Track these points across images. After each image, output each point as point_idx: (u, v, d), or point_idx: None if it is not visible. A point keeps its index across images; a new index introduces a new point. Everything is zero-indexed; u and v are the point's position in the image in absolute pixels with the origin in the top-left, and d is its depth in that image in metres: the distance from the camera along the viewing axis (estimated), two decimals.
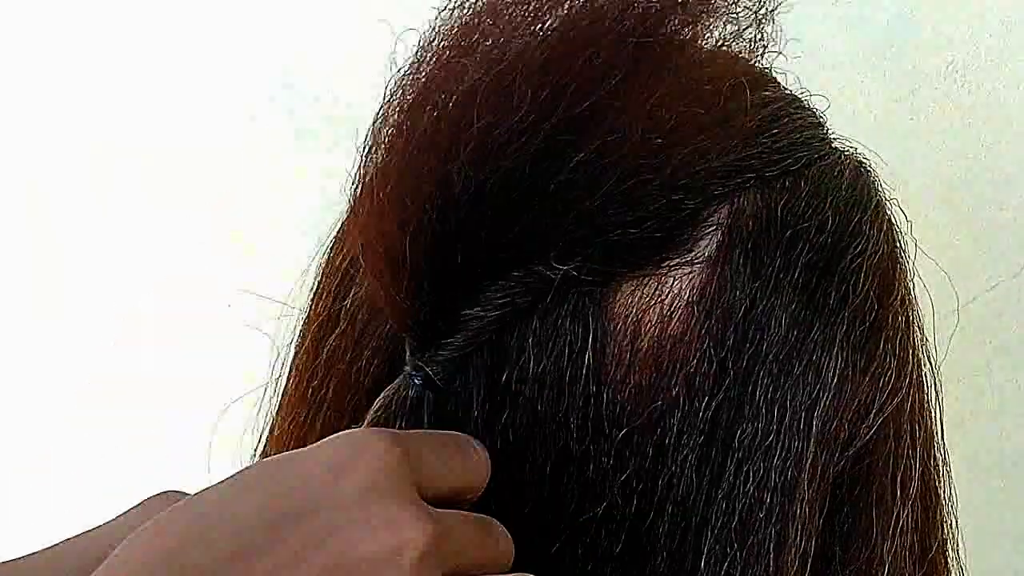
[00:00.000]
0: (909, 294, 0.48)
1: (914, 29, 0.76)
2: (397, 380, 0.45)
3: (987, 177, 0.76)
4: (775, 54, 0.50)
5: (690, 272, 0.44)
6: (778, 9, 0.49)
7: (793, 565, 0.43)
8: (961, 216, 0.76)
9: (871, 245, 0.46)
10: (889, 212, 0.49)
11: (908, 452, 0.47)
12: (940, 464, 0.50)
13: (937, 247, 0.54)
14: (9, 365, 0.93)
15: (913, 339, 0.48)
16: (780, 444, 0.43)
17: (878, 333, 0.46)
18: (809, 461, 0.43)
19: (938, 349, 0.50)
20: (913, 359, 0.47)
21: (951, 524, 0.50)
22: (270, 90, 0.86)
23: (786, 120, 0.47)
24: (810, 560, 0.43)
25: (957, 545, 0.50)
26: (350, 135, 0.85)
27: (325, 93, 0.85)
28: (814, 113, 0.50)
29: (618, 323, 0.44)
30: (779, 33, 0.50)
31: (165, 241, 0.89)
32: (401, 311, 0.45)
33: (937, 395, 0.49)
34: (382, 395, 0.45)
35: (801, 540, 0.43)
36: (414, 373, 0.44)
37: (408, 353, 0.45)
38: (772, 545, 0.43)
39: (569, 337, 0.44)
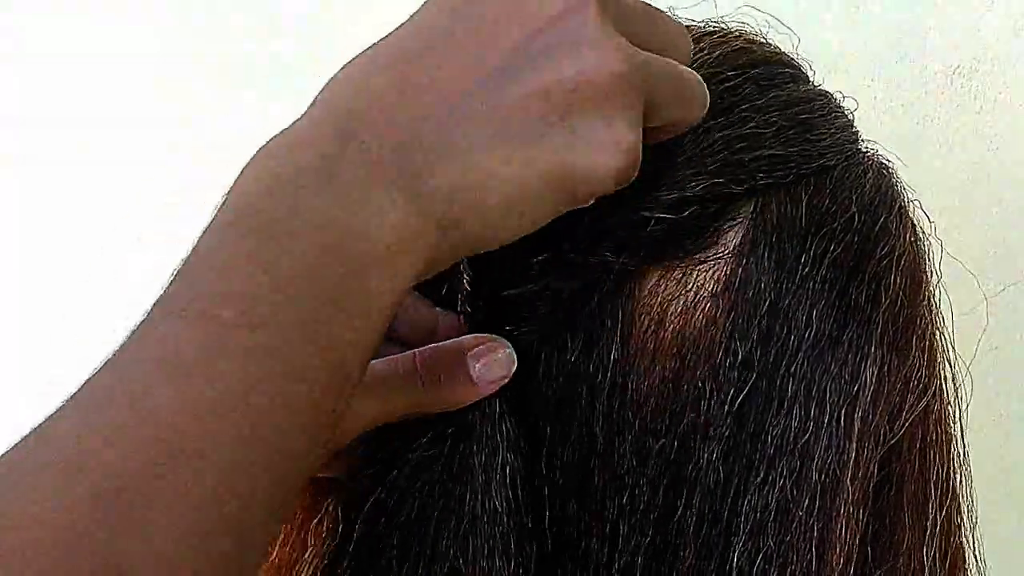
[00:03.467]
0: (932, 294, 0.48)
1: (921, 34, 0.76)
2: None
3: (993, 181, 0.76)
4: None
5: (715, 264, 0.44)
6: (787, 13, 0.49)
7: (839, 563, 0.43)
8: (967, 219, 0.76)
9: (899, 244, 0.46)
10: (911, 213, 0.49)
11: (934, 451, 0.47)
12: (959, 463, 0.50)
13: (943, 250, 0.54)
14: (9, 367, 0.93)
15: (936, 339, 0.48)
16: (820, 442, 0.43)
17: (910, 332, 0.46)
18: (852, 460, 0.43)
19: (953, 351, 0.50)
20: (937, 358, 0.48)
21: (970, 523, 0.50)
22: (275, 87, 0.86)
23: (829, 116, 0.48)
24: (855, 559, 0.43)
25: (974, 544, 0.50)
26: None
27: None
28: (845, 112, 0.50)
29: (643, 313, 0.44)
30: (788, 37, 0.50)
31: (165, 242, 0.89)
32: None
33: (956, 394, 0.49)
34: None
35: (847, 538, 0.43)
36: None
37: None
38: (814, 542, 0.42)
39: (596, 326, 0.44)
